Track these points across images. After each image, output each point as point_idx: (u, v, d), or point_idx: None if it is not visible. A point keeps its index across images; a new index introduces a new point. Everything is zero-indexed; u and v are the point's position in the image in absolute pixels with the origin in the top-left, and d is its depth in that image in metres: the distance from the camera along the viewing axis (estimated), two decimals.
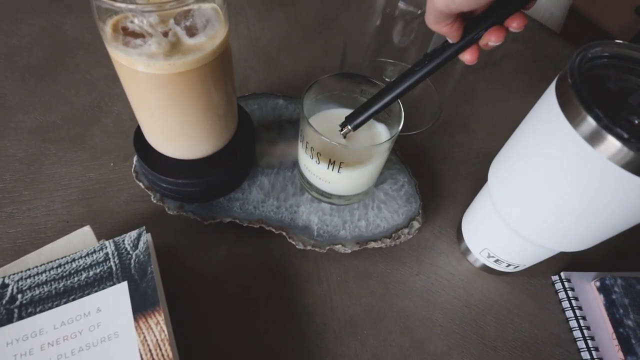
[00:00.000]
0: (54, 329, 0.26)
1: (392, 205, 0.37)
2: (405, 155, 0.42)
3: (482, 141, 0.46)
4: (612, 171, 0.21)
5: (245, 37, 0.53)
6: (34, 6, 0.53)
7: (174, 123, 0.29)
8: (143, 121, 0.31)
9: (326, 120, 0.34)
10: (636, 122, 0.22)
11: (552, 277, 0.37)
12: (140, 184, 0.36)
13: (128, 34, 0.24)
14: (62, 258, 0.29)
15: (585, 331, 0.33)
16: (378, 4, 0.39)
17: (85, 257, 0.29)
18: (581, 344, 0.33)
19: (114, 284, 0.28)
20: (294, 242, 0.35)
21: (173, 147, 0.32)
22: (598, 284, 0.35)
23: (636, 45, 0.24)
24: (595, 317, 0.34)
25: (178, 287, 0.33)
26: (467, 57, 0.26)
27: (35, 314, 0.26)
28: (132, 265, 0.28)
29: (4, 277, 0.28)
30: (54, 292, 0.27)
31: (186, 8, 0.25)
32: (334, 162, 0.31)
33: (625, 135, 0.20)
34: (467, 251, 0.37)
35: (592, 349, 0.33)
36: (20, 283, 0.27)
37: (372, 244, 0.35)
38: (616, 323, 0.33)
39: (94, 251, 0.29)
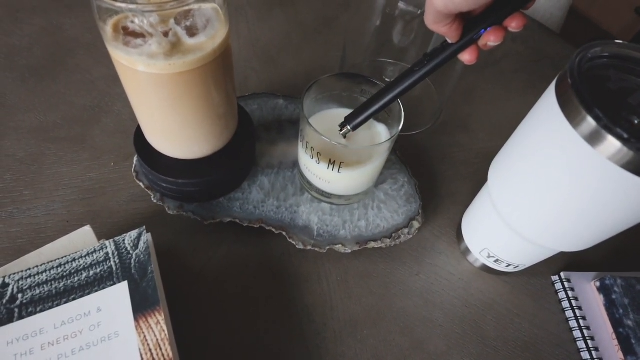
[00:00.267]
0: (55, 329, 0.26)
1: (392, 205, 0.37)
2: (406, 155, 0.42)
3: (482, 141, 0.46)
4: (612, 171, 0.21)
5: (246, 37, 0.54)
6: (34, 6, 0.53)
7: (174, 123, 0.29)
8: (143, 121, 0.31)
9: (326, 120, 0.34)
10: (636, 122, 0.22)
11: (552, 277, 0.37)
12: (141, 184, 0.36)
13: (128, 34, 0.24)
14: (62, 258, 0.29)
15: (585, 331, 0.33)
16: (378, 4, 0.39)
17: (85, 256, 0.29)
18: (581, 344, 0.33)
19: (114, 283, 0.28)
20: (294, 242, 0.35)
21: (173, 147, 0.32)
22: (598, 284, 0.35)
23: (636, 45, 0.24)
24: (595, 317, 0.34)
25: (178, 286, 0.33)
26: (467, 57, 0.26)
27: (35, 313, 0.26)
28: (132, 265, 0.28)
29: (4, 277, 0.28)
30: (54, 291, 0.27)
31: (187, 8, 0.25)
32: (334, 162, 0.31)
33: (625, 135, 0.20)
34: (467, 251, 0.37)
35: (592, 349, 0.33)
36: (20, 283, 0.28)
37: (372, 244, 0.35)
38: (616, 323, 0.33)
39: (94, 251, 0.29)
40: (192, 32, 0.25)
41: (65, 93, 0.45)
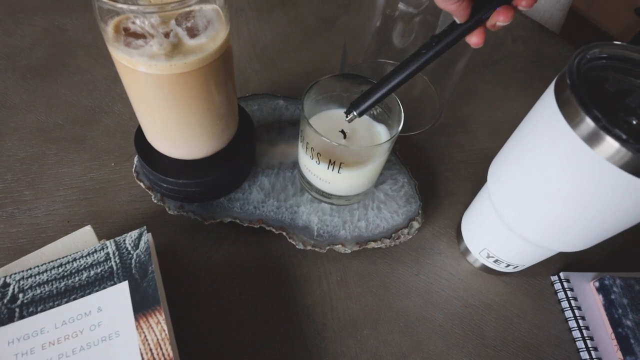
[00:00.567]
0: (55, 328, 0.26)
1: (392, 205, 0.38)
2: (405, 156, 0.42)
3: (482, 142, 0.46)
4: (611, 172, 0.21)
5: (246, 38, 0.54)
6: (36, 7, 0.53)
7: (174, 123, 0.29)
8: (144, 121, 0.31)
9: (326, 120, 0.35)
10: (634, 123, 0.22)
11: (551, 277, 0.37)
12: (141, 184, 0.36)
13: (130, 35, 0.24)
14: (63, 257, 0.29)
15: (584, 331, 0.34)
16: (378, 5, 0.39)
17: (86, 256, 0.29)
18: (580, 344, 0.33)
19: (115, 283, 0.28)
20: (294, 242, 0.35)
21: (174, 147, 0.32)
22: (597, 284, 0.35)
23: (634, 46, 0.24)
24: (594, 317, 0.34)
25: (178, 286, 0.33)
26: (474, 39, 0.25)
27: (36, 313, 0.27)
28: (132, 265, 0.29)
29: (5, 277, 0.28)
30: (55, 291, 0.27)
31: (187, 9, 0.25)
32: (334, 162, 0.31)
33: (624, 136, 0.20)
34: (466, 251, 0.37)
35: (591, 349, 0.33)
36: (21, 282, 0.28)
37: (372, 244, 0.36)
38: (615, 323, 0.33)
39: (95, 251, 0.29)
40: (193, 33, 0.25)
41: (66, 93, 0.45)
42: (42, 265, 0.28)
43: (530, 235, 0.29)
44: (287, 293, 0.34)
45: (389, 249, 0.37)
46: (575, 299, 0.35)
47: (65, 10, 0.53)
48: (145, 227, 0.30)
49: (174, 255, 0.35)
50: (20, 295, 0.27)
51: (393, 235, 0.36)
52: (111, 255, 0.29)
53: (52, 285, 0.28)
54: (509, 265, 0.35)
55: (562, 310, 0.35)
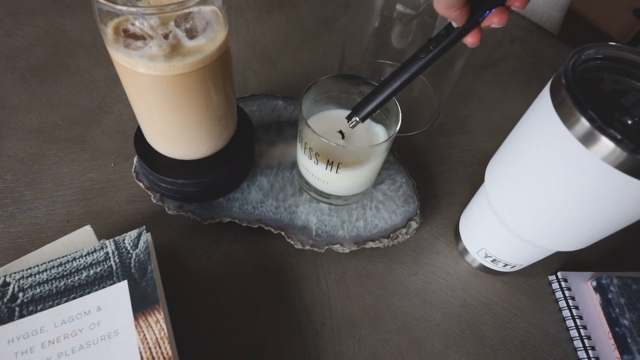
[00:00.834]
0: (55, 327, 0.26)
1: (390, 205, 0.38)
2: (404, 156, 0.43)
3: (480, 142, 0.47)
4: (606, 172, 0.21)
5: (245, 38, 0.54)
6: (36, 7, 0.53)
7: (174, 124, 0.29)
8: (143, 122, 0.31)
9: (324, 121, 0.35)
10: (629, 123, 0.22)
11: (549, 276, 0.37)
12: (141, 184, 0.36)
13: (129, 36, 0.24)
14: (62, 257, 0.29)
15: (581, 330, 0.34)
16: (376, 6, 0.40)
17: (85, 256, 0.29)
18: (578, 343, 0.34)
19: (114, 282, 0.28)
20: (292, 242, 0.35)
21: (173, 147, 0.32)
22: (594, 283, 0.35)
23: (629, 47, 0.24)
24: (592, 317, 0.35)
25: (178, 286, 0.33)
26: (470, 39, 0.26)
27: (36, 312, 0.27)
28: (132, 264, 0.29)
29: (5, 276, 0.28)
30: (54, 290, 0.28)
31: (186, 11, 0.25)
32: (332, 162, 0.31)
33: (619, 136, 0.20)
34: (464, 251, 0.37)
35: (588, 348, 0.33)
36: (21, 282, 0.28)
37: (370, 244, 0.36)
38: (612, 322, 0.33)
39: (95, 250, 0.29)
40: (191, 34, 0.25)
41: (65, 94, 0.45)
42: (41, 264, 0.29)
43: (527, 235, 0.29)
44: (285, 292, 0.34)
45: (387, 248, 0.38)
46: (572, 298, 0.35)
47: (65, 11, 0.53)
48: (144, 226, 0.30)
49: (173, 255, 0.35)
50: (20, 294, 0.27)
51: (391, 235, 0.36)
52: (110, 254, 0.29)
53: (51, 284, 0.28)
54: (506, 265, 0.35)
55: (560, 310, 0.36)
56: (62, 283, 0.28)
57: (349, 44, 0.45)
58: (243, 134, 0.36)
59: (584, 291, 0.36)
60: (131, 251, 0.29)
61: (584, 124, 0.21)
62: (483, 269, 0.37)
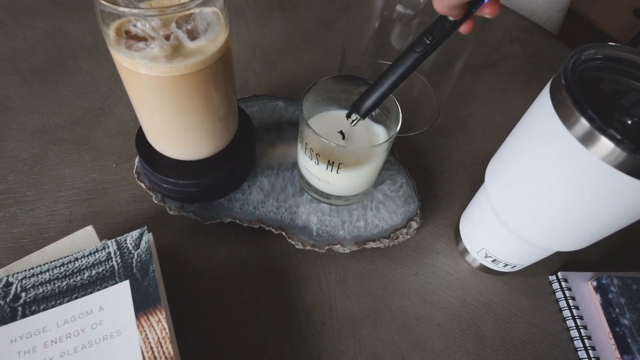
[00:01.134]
0: (57, 327, 0.26)
1: (391, 205, 0.38)
2: (404, 157, 0.43)
3: (480, 142, 0.47)
4: (606, 172, 0.22)
5: (246, 39, 0.54)
6: (37, 9, 0.53)
7: (175, 125, 0.30)
8: (145, 123, 0.31)
9: (325, 121, 0.35)
10: (629, 123, 0.22)
11: (549, 277, 0.38)
12: (142, 185, 0.37)
13: (131, 38, 0.25)
14: (65, 257, 0.29)
15: (582, 330, 0.34)
16: (376, 7, 0.40)
17: (87, 256, 0.29)
18: (578, 343, 0.34)
19: (116, 282, 0.28)
20: (293, 242, 0.35)
21: (174, 148, 0.33)
22: (595, 283, 0.36)
23: (629, 47, 0.24)
24: (592, 317, 0.35)
25: (179, 286, 0.33)
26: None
27: (38, 312, 0.27)
28: (133, 265, 0.29)
29: (8, 276, 0.28)
30: (57, 290, 0.28)
31: (188, 12, 0.25)
32: (333, 163, 0.31)
33: (618, 136, 0.20)
34: (465, 251, 0.38)
35: (588, 348, 0.33)
36: (24, 282, 0.28)
37: (371, 244, 0.36)
38: (612, 322, 0.33)
39: (97, 250, 0.29)
40: (193, 35, 0.26)
41: (67, 95, 0.45)
42: (44, 264, 0.29)
43: (527, 235, 0.29)
44: (286, 292, 0.34)
45: (387, 248, 0.38)
46: (573, 298, 0.35)
47: (66, 13, 0.53)
48: (146, 227, 0.31)
49: (174, 255, 0.35)
50: (23, 294, 0.27)
51: (392, 235, 0.36)
52: (112, 254, 0.29)
53: (54, 284, 0.28)
54: (507, 265, 0.35)
55: (560, 310, 0.36)
56: (64, 283, 0.28)
57: (349, 44, 0.45)
58: (244, 135, 0.36)
59: (584, 291, 0.36)
60: (133, 251, 0.29)
61: (583, 124, 0.21)
62: (483, 269, 0.37)
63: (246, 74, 0.50)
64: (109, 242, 0.30)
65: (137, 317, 0.27)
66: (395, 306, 0.35)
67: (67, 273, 0.28)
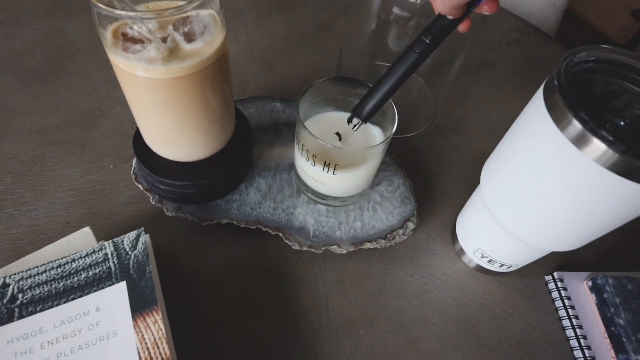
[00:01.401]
0: (54, 328, 0.26)
1: (388, 206, 0.38)
2: (401, 158, 0.43)
3: (477, 144, 0.47)
4: (599, 173, 0.22)
5: (244, 41, 0.54)
6: (36, 11, 0.53)
7: (172, 126, 0.30)
8: (142, 124, 0.32)
9: (322, 123, 0.35)
10: (621, 124, 0.23)
11: (545, 277, 0.38)
12: (140, 186, 0.37)
13: (128, 40, 0.25)
14: (62, 258, 0.29)
15: (577, 330, 0.34)
16: (373, 9, 0.40)
17: (85, 257, 0.29)
18: (574, 343, 0.34)
19: (113, 283, 0.28)
20: (290, 243, 0.35)
21: (172, 150, 0.33)
22: (590, 283, 0.36)
23: (621, 49, 0.24)
24: (588, 317, 0.35)
25: (176, 287, 0.34)
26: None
27: (35, 313, 0.27)
28: (131, 266, 0.29)
29: (5, 277, 0.28)
30: (54, 291, 0.28)
31: (185, 15, 0.25)
32: (330, 164, 0.31)
33: (611, 138, 0.21)
34: (461, 252, 0.38)
35: (584, 347, 0.33)
36: (21, 283, 0.28)
37: (368, 245, 0.36)
38: (608, 322, 0.33)
39: (94, 252, 0.30)
40: (190, 38, 0.26)
41: (66, 97, 0.45)
42: (41, 266, 0.29)
43: (522, 236, 0.29)
44: (283, 293, 0.35)
45: (384, 249, 0.38)
46: (569, 298, 0.36)
47: (65, 15, 0.54)
48: (143, 228, 0.31)
49: (172, 257, 0.35)
50: (20, 295, 0.28)
51: (388, 236, 0.36)
52: (110, 256, 0.29)
53: (51, 285, 0.28)
54: (503, 266, 0.35)
55: (556, 310, 0.36)
56: (61, 284, 0.28)
57: (346, 46, 0.46)
58: (241, 136, 0.37)
59: (580, 291, 0.36)
60: (130, 252, 0.30)
61: (576, 126, 0.22)
62: (480, 269, 0.37)
63: (244, 75, 0.50)
64: (106, 243, 0.30)
65: (134, 318, 0.27)
66: (392, 307, 0.35)
67: (65, 274, 0.29)
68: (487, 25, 0.61)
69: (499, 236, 0.32)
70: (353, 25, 0.45)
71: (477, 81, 0.54)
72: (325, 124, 0.35)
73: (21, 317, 0.27)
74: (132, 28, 0.25)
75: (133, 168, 0.38)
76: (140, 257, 0.29)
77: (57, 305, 0.27)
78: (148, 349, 0.26)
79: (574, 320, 0.34)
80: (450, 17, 0.26)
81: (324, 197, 0.36)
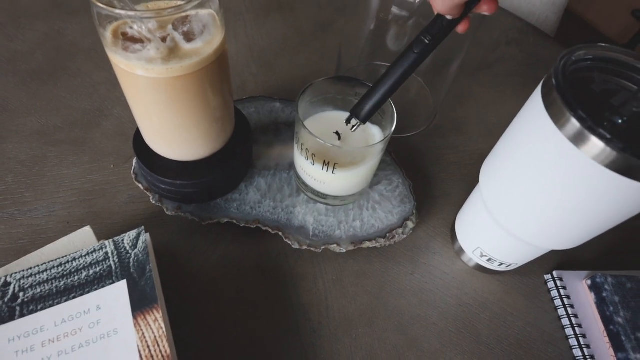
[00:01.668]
0: (55, 326, 0.27)
1: (387, 205, 0.38)
2: (400, 157, 0.43)
3: (476, 143, 0.47)
4: (597, 171, 0.22)
5: (244, 41, 0.54)
6: (36, 12, 0.54)
7: (172, 126, 0.30)
8: (142, 124, 0.32)
9: (321, 122, 0.35)
10: (619, 122, 0.23)
11: (544, 276, 0.38)
12: (140, 186, 0.37)
13: (127, 39, 0.25)
14: (62, 257, 0.29)
15: (577, 329, 0.34)
16: (372, 9, 0.40)
17: (85, 256, 0.29)
18: (573, 342, 0.34)
19: (114, 282, 0.28)
20: (290, 242, 0.35)
21: (171, 149, 0.33)
22: (589, 282, 0.36)
23: (618, 47, 0.25)
24: (587, 315, 0.35)
25: (176, 285, 0.34)
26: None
27: (36, 311, 0.27)
28: (131, 264, 0.29)
29: (6, 276, 0.28)
30: (54, 290, 0.28)
31: (184, 14, 0.26)
32: (329, 163, 0.32)
33: (608, 136, 0.21)
34: (460, 251, 0.38)
35: (583, 346, 0.33)
36: (22, 281, 0.28)
37: (367, 244, 0.36)
38: (607, 320, 0.33)
39: (94, 250, 0.30)
40: (189, 37, 0.26)
41: (66, 97, 0.46)
42: (42, 264, 0.29)
43: (521, 234, 0.30)
44: (283, 292, 0.35)
45: (383, 248, 0.38)
46: (568, 297, 0.36)
47: (65, 15, 0.54)
48: (143, 227, 0.31)
49: (172, 256, 0.35)
50: (21, 294, 0.28)
51: (388, 235, 0.37)
52: (110, 254, 0.30)
53: (52, 284, 0.28)
54: (502, 264, 0.35)
55: (555, 308, 0.36)
56: (62, 283, 0.28)
57: (345, 46, 0.46)
58: (241, 136, 0.37)
59: (579, 290, 0.36)
60: (130, 251, 0.30)
61: (574, 124, 0.22)
62: (479, 268, 0.37)
63: (244, 75, 0.50)
64: (106, 242, 0.30)
65: (134, 317, 0.27)
66: (392, 305, 0.35)
67: (65, 273, 0.29)
68: (486, 24, 0.61)
69: (498, 235, 0.33)
70: (352, 25, 0.45)
71: (476, 81, 0.54)
72: (324, 123, 0.35)
73: (22, 315, 0.27)
74: (131, 27, 0.25)
75: (133, 167, 0.38)
76: (141, 255, 0.30)
77: (58, 303, 0.27)
78: (148, 346, 0.26)
79: (573, 319, 0.35)
80: (449, 17, 0.26)
81: (324, 196, 0.36)
